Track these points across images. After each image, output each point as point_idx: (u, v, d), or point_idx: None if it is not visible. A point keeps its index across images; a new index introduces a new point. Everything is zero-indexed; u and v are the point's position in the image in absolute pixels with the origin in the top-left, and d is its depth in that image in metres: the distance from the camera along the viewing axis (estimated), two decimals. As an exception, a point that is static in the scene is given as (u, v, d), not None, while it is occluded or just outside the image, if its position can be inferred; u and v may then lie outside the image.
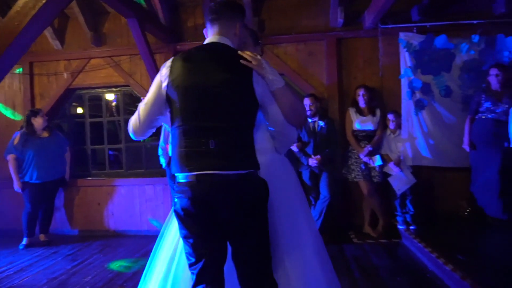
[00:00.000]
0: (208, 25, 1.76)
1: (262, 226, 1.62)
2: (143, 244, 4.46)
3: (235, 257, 1.62)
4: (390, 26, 4.48)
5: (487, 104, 4.12)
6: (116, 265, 3.77)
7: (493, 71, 4.10)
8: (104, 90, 5.27)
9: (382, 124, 4.42)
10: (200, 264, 1.59)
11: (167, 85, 1.63)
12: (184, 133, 1.59)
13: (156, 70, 4.34)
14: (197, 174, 1.54)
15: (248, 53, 1.64)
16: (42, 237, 4.69)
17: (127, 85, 5.08)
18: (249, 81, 1.61)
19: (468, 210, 4.43)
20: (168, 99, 1.64)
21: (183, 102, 1.59)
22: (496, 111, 4.08)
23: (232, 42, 1.72)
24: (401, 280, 3.12)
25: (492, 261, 3.25)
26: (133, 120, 1.75)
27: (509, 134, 4.00)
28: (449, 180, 4.58)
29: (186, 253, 1.65)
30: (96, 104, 5.43)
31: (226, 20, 1.71)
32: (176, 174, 1.63)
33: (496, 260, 3.28)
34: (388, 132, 4.44)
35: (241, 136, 1.61)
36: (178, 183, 1.62)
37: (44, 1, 2.39)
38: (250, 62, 1.61)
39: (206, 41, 1.73)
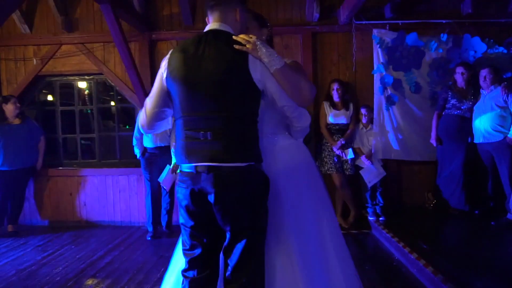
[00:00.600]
0: (208, 13, 1.71)
1: (256, 222, 1.60)
2: (117, 235, 4.43)
3: (225, 249, 1.62)
4: (364, 22, 4.58)
5: (453, 101, 4.31)
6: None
7: (459, 69, 4.29)
8: (76, 77, 5.12)
9: (355, 118, 4.54)
10: (194, 252, 1.62)
11: (166, 78, 1.63)
12: (184, 125, 1.59)
13: (131, 58, 4.29)
14: (196, 166, 1.55)
15: (242, 36, 1.59)
16: (10, 227, 4.56)
17: (101, 73, 4.95)
18: (245, 67, 1.55)
19: (434, 202, 4.64)
20: (169, 92, 1.65)
21: (181, 93, 1.59)
22: (462, 107, 4.28)
23: (233, 28, 1.67)
24: (369, 269, 3.26)
25: (452, 249, 3.45)
26: (141, 114, 1.77)
27: (472, 130, 4.23)
28: (417, 173, 4.79)
29: (182, 239, 1.68)
30: (67, 92, 5.28)
31: (225, 6, 1.67)
32: (179, 164, 1.66)
33: (456, 248, 3.51)
34: (361, 126, 4.57)
35: (241, 127, 1.57)
36: (180, 172, 1.64)
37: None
38: (245, 46, 1.56)
39: (206, 29, 1.69)
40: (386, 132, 4.62)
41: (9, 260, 3.69)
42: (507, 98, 3.98)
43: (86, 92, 5.42)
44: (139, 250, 3.91)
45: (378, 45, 4.57)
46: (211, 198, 1.54)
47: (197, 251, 1.62)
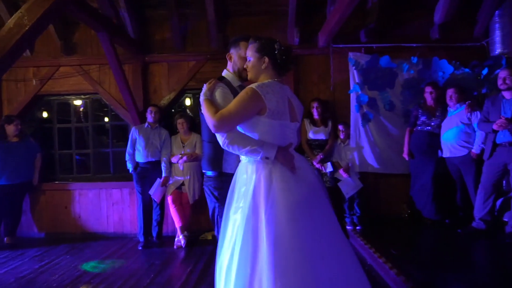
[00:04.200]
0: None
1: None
2: (110, 246, 4.68)
3: None
4: (341, 46, 4.97)
5: (423, 118, 4.67)
6: (86, 266, 3.95)
7: (428, 89, 4.66)
8: (73, 97, 5.44)
9: (333, 134, 4.88)
10: None
11: None
12: None
13: (125, 80, 4.63)
14: None
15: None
16: (8, 239, 4.80)
17: (96, 93, 5.28)
18: None
19: (408, 212, 4.95)
20: None
21: None
22: (431, 124, 4.64)
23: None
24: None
25: (419, 255, 3.77)
26: None
27: (441, 144, 4.58)
28: (392, 185, 5.10)
29: None
30: (64, 109, 5.59)
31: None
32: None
33: (423, 254, 3.82)
34: (339, 141, 4.91)
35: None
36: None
37: (25, 29, 2.68)
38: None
39: None
40: (362, 147, 4.96)
41: (8, 269, 3.93)
42: (471, 116, 4.35)
43: (81, 109, 5.70)
44: (131, 258, 4.16)
45: (354, 67, 4.95)
46: None
47: None
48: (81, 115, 5.79)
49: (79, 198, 5.21)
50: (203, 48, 5.17)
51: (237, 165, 2.10)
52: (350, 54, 4.96)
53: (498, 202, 4.44)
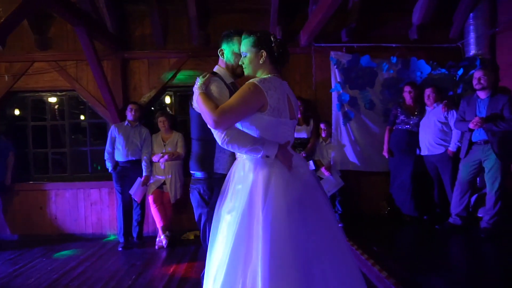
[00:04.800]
0: None
1: None
2: (89, 247, 4.55)
3: None
4: (322, 45, 5.01)
5: (402, 117, 4.77)
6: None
7: (407, 88, 4.77)
8: (48, 94, 5.25)
9: (315, 133, 4.92)
10: None
11: None
12: None
13: (104, 76, 4.51)
14: None
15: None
16: (-22, 242, 4.60)
17: (73, 90, 5.12)
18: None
19: (388, 209, 5.06)
20: None
21: None
22: (410, 122, 4.74)
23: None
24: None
25: (400, 251, 3.85)
26: None
27: (419, 143, 4.70)
28: (372, 183, 5.19)
29: None
30: (39, 107, 5.39)
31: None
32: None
33: (403, 250, 3.91)
34: (320, 140, 4.95)
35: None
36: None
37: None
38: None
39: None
40: (344, 145, 5.02)
41: (-20, 273, 3.75)
42: (447, 115, 4.48)
43: (56, 107, 5.52)
44: (111, 260, 4.06)
45: (335, 66, 5.00)
46: None
47: None
48: (56, 112, 5.61)
49: (55, 198, 5.04)
50: (185, 45, 5.10)
51: (230, 165, 2.02)
52: (332, 53, 5.00)
53: (473, 199, 4.60)
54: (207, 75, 2.03)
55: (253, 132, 1.88)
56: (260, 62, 1.94)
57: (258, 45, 1.93)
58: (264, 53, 1.92)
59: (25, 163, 5.25)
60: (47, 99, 5.30)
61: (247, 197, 1.77)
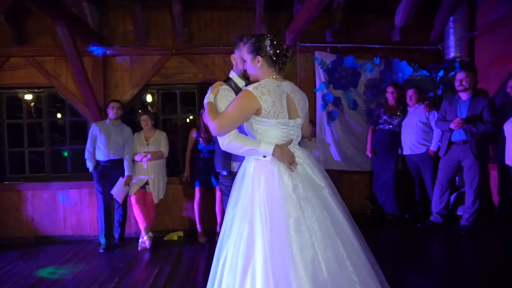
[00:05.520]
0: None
1: None
2: (68, 249, 4.41)
3: None
4: (307, 45, 5.03)
5: (385, 117, 4.85)
6: (43, 272, 3.68)
7: (390, 89, 4.85)
8: (25, 90, 5.05)
9: (300, 132, 4.92)
10: None
11: None
12: None
13: (84, 73, 4.37)
14: None
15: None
16: (-51, 246, 4.38)
17: (52, 87, 4.94)
18: None
19: (371, 208, 5.13)
20: None
21: None
22: (392, 123, 4.83)
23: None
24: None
25: (385, 249, 3.90)
26: None
27: (401, 142, 4.78)
28: (355, 182, 5.26)
29: None
30: (15, 104, 5.18)
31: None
32: None
33: (387, 248, 3.96)
34: (305, 139, 4.97)
35: None
36: None
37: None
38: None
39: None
40: (328, 144, 5.06)
41: (-49, 278, 3.57)
42: (429, 115, 4.57)
43: (32, 104, 5.32)
44: (92, 262, 3.94)
45: (319, 66, 5.03)
46: None
47: None
48: (32, 110, 5.41)
49: (32, 199, 4.85)
50: (168, 42, 5.01)
51: None
52: (316, 53, 5.03)
53: (452, 197, 4.72)
54: (217, 85, 2.16)
55: (252, 134, 2.01)
56: (258, 67, 2.01)
57: (253, 51, 2.01)
58: (260, 58, 1.99)
59: (0, 163, 5.04)
60: (24, 96, 5.10)
61: (249, 195, 1.90)
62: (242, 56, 2.15)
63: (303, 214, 1.80)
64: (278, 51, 1.98)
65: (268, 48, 1.97)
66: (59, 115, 5.55)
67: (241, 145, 1.94)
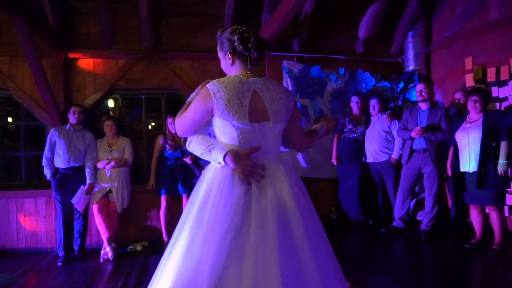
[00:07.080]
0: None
1: None
2: (22, 263, 4.10)
3: None
4: (275, 53, 5.10)
5: (349, 126, 5.00)
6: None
7: (354, 99, 5.01)
8: (-25, 92, 4.69)
9: (268, 140, 4.95)
10: None
11: None
12: None
13: (43, 75, 4.14)
14: None
15: None
16: None
17: (5, 89, 4.62)
18: None
19: (336, 214, 5.24)
20: None
21: None
22: (356, 131, 4.98)
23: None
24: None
25: (350, 254, 4.00)
26: None
27: (365, 150, 4.95)
28: (321, 189, 5.34)
29: None
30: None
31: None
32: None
33: (353, 253, 4.06)
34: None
35: None
36: None
37: None
38: None
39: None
40: (295, 152, 5.12)
41: None
42: (391, 125, 4.78)
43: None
44: (50, 276, 3.68)
45: (287, 75, 5.11)
46: None
47: None
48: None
49: (-20, 209, 4.48)
50: (134, 46, 4.87)
51: None
52: (284, 62, 5.11)
53: (412, 203, 4.94)
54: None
55: (216, 137, 1.78)
56: (230, 64, 1.79)
57: (222, 49, 1.80)
58: (229, 55, 1.77)
59: None
60: (-27, 98, 4.74)
61: (199, 202, 1.64)
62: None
63: (247, 222, 1.54)
64: (249, 45, 1.73)
65: (237, 43, 1.72)
66: (10, 119, 5.20)
67: (198, 147, 1.74)
